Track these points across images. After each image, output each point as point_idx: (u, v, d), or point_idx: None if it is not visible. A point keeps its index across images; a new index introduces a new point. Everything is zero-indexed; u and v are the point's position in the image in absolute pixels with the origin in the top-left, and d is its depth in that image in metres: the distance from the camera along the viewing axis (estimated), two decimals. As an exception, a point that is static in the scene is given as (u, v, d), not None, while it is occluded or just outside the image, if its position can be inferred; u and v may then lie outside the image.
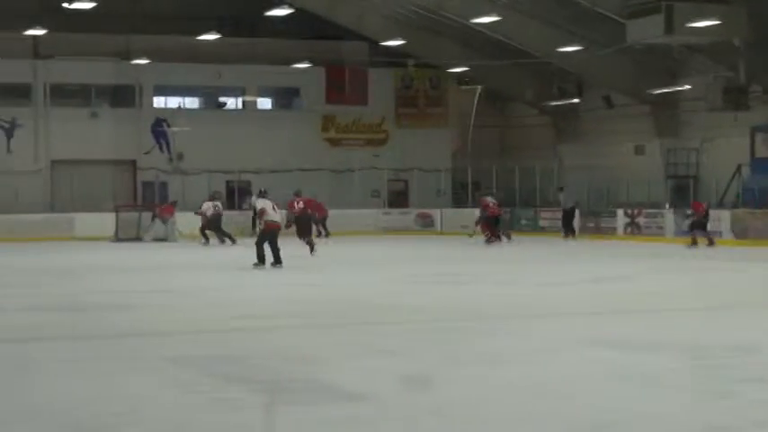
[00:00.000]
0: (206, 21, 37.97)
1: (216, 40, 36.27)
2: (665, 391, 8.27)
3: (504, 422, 7.31)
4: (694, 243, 27.58)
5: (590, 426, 7.16)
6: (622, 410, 7.57)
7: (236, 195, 38.34)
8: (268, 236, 20.91)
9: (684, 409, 7.64)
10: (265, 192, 22.21)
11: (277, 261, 20.85)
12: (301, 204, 25.59)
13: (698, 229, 28.08)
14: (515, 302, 15.10)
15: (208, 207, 30.96)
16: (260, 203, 21.57)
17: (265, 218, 21.05)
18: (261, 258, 20.75)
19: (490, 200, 30.90)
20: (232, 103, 42.69)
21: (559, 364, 9.56)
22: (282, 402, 7.96)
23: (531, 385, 8.54)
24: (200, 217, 31.02)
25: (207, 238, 30.68)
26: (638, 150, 37.85)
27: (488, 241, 29.88)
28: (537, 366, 9.41)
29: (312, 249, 24.28)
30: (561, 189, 35.46)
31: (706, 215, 28.37)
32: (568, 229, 33.91)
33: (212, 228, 30.85)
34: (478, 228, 30.80)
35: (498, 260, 24.86)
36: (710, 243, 27.84)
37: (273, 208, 21.27)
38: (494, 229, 30.32)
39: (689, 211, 29.34)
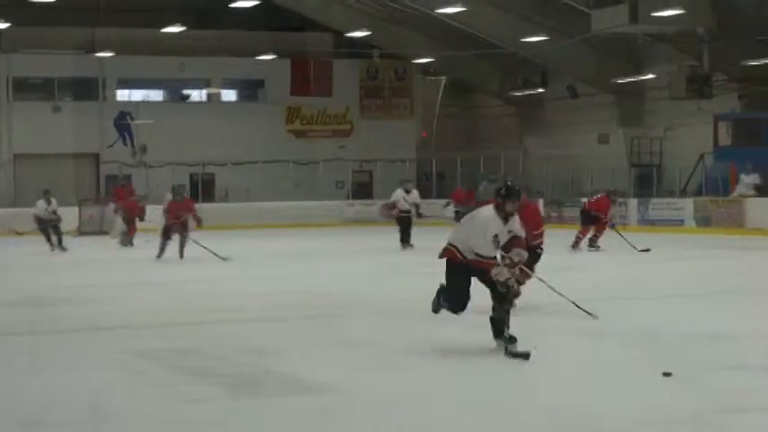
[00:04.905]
0: (170, 13, 37.75)
1: (180, 32, 35.99)
2: (627, 380, 8.28)
3: (463, 411, 7.31)
4: None
5: (553, 413, 7.16)
6: (585, 400, 7.60)
7: (199, 188, 38.14)
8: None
9: (649, 396, 7.65)
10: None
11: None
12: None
13: None
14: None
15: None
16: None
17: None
18: None
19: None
20: (196, 95, 42.50)
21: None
22: (246, 395, 7.91)
23: (490, 375, 8.57)
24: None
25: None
26: (602, 139, 37.99)
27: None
28: (496, 356, 9.36)
29: None
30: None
31: None
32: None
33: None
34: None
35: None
36: None
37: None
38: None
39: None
